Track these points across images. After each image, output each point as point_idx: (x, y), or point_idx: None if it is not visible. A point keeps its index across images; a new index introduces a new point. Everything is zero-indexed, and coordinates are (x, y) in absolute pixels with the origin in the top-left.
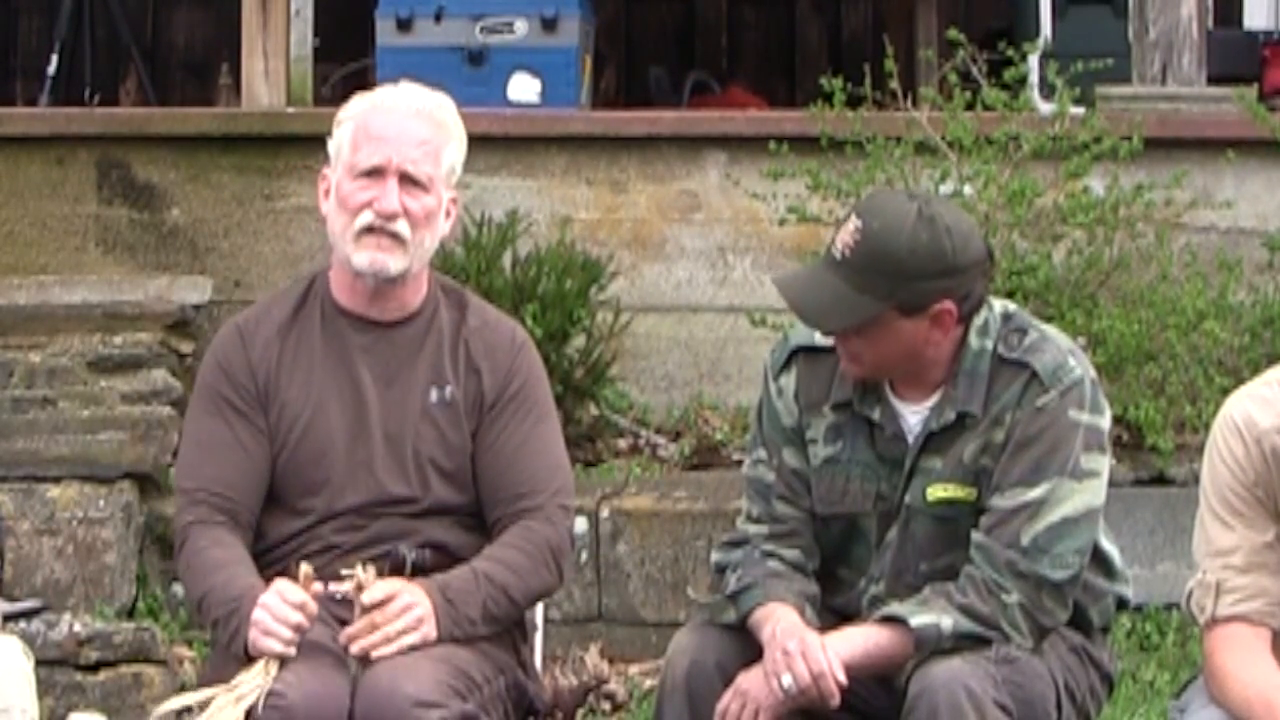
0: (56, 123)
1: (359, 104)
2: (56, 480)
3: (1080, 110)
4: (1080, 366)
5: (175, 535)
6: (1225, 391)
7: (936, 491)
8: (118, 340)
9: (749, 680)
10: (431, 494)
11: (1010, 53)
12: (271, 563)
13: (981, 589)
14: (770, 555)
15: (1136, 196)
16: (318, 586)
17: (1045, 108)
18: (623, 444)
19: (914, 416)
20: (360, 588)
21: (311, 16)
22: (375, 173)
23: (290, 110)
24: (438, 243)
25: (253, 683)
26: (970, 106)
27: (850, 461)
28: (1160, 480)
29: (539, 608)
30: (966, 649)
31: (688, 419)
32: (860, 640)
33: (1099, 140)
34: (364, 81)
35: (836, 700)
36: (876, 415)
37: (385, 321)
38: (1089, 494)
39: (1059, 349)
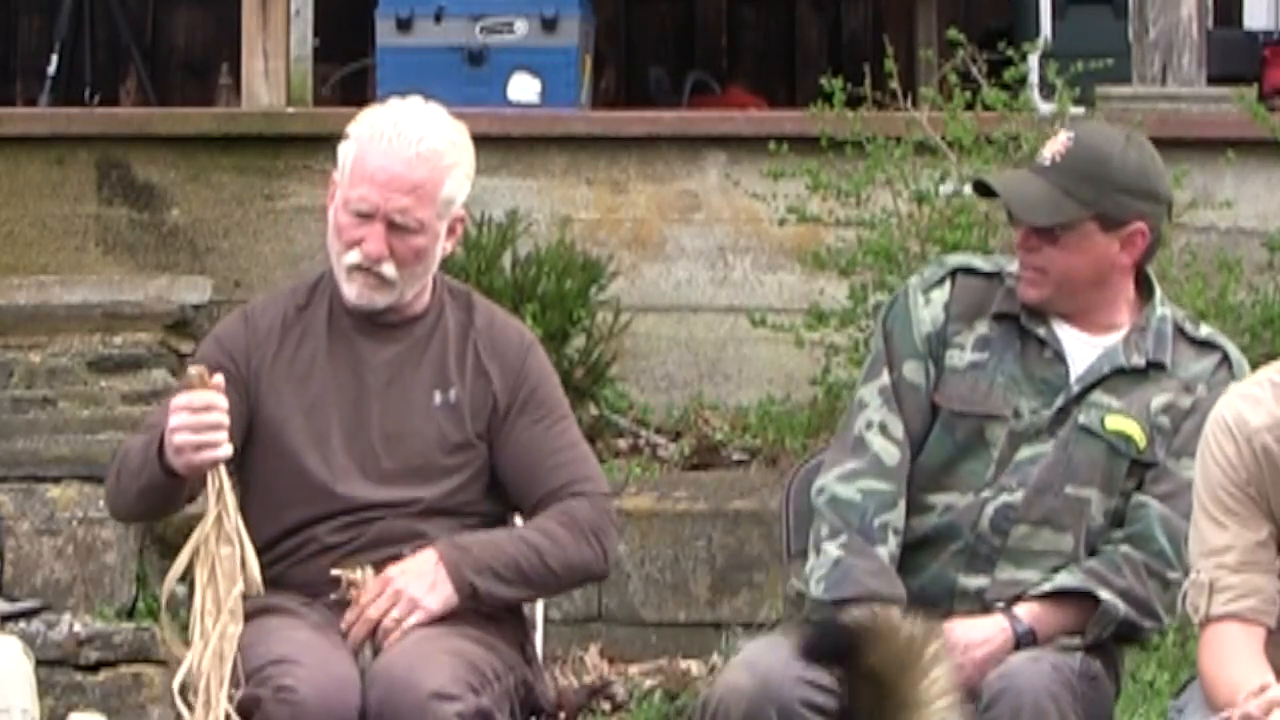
0: (56, 123)
1: (367, 124)
2: (56, 480)
3: (1080, 110)
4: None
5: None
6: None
7: (1116, 422)
8: (118, 340)
9: None
10: (432, 494)
11: (1010, 53)
12: (269, 563)
13: (1141, 571)
14: (882, 513)
15: None
16: (218, 379)
17: (1045, 108)
18: (623, 444)
19: (1080, 345)
20: (352, 584)
21: (311, 16)
22: (364, 215)
23: (290, 110)
24: (436, 264)
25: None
26: (970, 106)
27: (995, 370)
28: None
29: (539, 606)
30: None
31: (688, 419)
32: (1049, 620)
33: None
34: (364, 81)
35: None
36: (1042, 332)
37: (391, 322)
38: None
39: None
